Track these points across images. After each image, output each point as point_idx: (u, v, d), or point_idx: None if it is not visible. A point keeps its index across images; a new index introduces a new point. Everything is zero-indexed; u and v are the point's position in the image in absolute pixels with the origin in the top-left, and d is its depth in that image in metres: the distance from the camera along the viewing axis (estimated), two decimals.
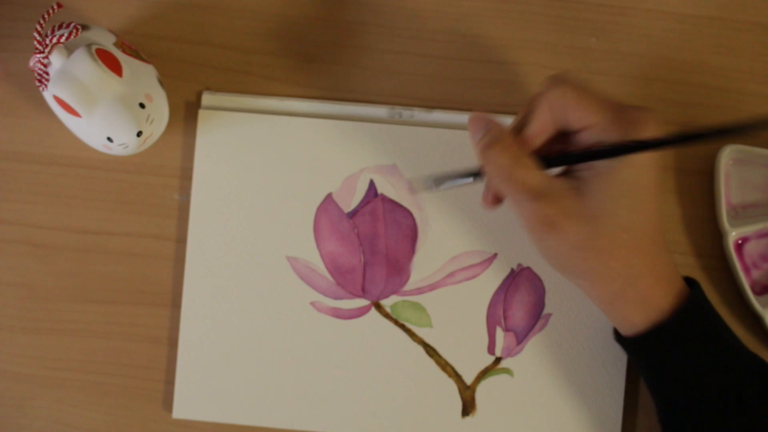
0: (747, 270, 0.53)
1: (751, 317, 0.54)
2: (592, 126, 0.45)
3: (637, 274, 0.45)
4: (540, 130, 0.46)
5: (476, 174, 0.48)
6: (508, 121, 0.54)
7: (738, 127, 0.42)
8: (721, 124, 0.43)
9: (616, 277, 0.45)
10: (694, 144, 0.44)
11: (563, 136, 0.47)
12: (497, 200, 0.49)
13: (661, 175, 0.46)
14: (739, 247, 0.53)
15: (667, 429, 0.48)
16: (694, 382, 0.46)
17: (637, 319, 0.46)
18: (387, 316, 0.54)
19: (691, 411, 0.47)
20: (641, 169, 0.44)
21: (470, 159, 0.54)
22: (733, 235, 0.53)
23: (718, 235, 0.54)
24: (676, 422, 0.48)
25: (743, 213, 0.54)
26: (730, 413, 0.45)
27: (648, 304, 0.46)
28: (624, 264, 0.45)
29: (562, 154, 0.46)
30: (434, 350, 0.54)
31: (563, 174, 0.47)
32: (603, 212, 0.44)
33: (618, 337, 0.50)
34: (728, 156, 0.53)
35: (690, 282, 0.49)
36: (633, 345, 0.48)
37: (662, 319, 0.46)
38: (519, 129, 0.47)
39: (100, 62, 0.46)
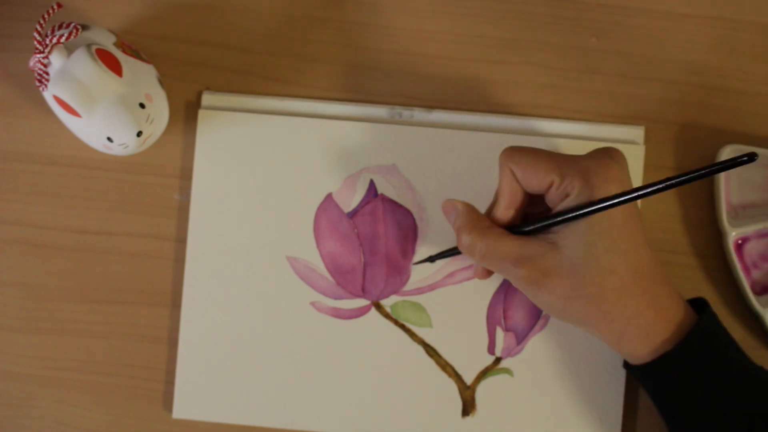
0: (747, 270, 0.53)
1: (751, 317, 0.54)
2: (552, 184, 0.45)
3: (635, 313, 0.45)
4: (511, 200, 0.47)
5: None
6: (508, 120, 0.54)
7: (704, 172, 0.42)
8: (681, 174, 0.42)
9: (614, 319, 0.45)
10: (649, 195, 0.43)
11: (540, 198, 0.48)
12: (487, 272, 0.50)
13: (637, 211, 0.46)
14: (739, 247, 0.53)
15: None
16: (697, 409, 0.46)
17: (643, 352, 0.47)
18: (387, 316, 0.54)
19: None
20: (608, 212, 0.44)
21: (469, 159, 0.54)
22: (733, 235, 0.53)
23: (718, 235, 0.54)
24: None
25: (743, 213, 0.54)
26: None
27: (652, 338, 0.46)
28: (618, 305, 0.45)
29: (530, 221, 0.47)
30: (434, 350, 0.54)
31: (540, 234, 0.47)
32: (583, 261, 0.44)
33: (626, 364, 0.50)
34: (728, 156, 0.53)
35: (701, 303, 0.49)
36: (639, 373, 0.48)
37: (664, 349, 0.46)
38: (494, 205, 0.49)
39: (100, 62, 0.46)
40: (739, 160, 0.40)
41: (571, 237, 0.45)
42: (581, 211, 0.44)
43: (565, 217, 0.45)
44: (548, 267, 0.45)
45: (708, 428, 0.46)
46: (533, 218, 0.47)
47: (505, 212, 0.48)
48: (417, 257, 0.54)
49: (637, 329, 0.46)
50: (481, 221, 0.47)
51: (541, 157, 0.46)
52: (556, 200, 0.46)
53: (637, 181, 0.54)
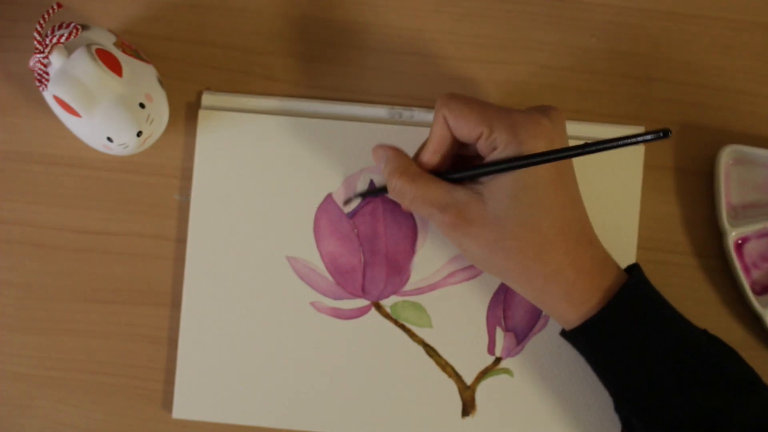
0: (747, 270, 0.53)
1: (751, 317, 0.54)
2: (481, 135, 0.46)
3: (555, 270, 0.46)
4: (439, 145, 0.48)
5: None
6: None
7: (625, 141, 0.42)
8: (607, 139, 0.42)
9: (534, 275, 0.46)
10: (569, 157, 0.43)
11: (468, 146, 0.49)
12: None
13: (569, 171, 0.46)
14: (739, 247, 0.53)
15: (620, 416, 0.49)
16: (626, 370, 0.46)
17: (569, 314, 0.47)
18: (387, 316, 0.54)
19: (632, 397, 0.47)
20: (534, 167, 0.44)
21: None
22: (733, 235, 0.53)
23: (718, 235, 0.54)
24: (623, 409, 0.48)
25: (743, 213, 0.54)
26: (669, 396, 0.46)
27: (573, 297, 0.46)
28: (538, 261, 0.45)
29: (458, 170, 0.48)
30: (434, 350, 0.54)
31: (468, 183, 0.47)
32: (506, 213, 0.45)
33: (561, 331, 0.50)
34: (728, 156, 0.53)
35: (634, 268, 0.49)
36: (570, 339, 0.49)
37: (591, 313, 0.46)
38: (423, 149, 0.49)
39: (100, 62, 0.46)
40: (654, 135, 0.40)
41: (496, 189, 0.45)
42: (503, 165, 0.45)
43: (489, 169, 0.45)
44: (472, 215, 0.46)
45: (639, 389, 0.46)
46: (462, 166, 0.48)
47: (432, 156, 0.48)
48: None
49: (558, 288, 0.46)
50: (411, 167, 0.48)
51: (473, 107, 0.46)
52: (485, 151, 0.46)
53: (637, 182, 0.53)
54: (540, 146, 0.44)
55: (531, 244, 0.45)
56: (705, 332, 0.48)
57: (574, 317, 0.47)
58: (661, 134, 0.39)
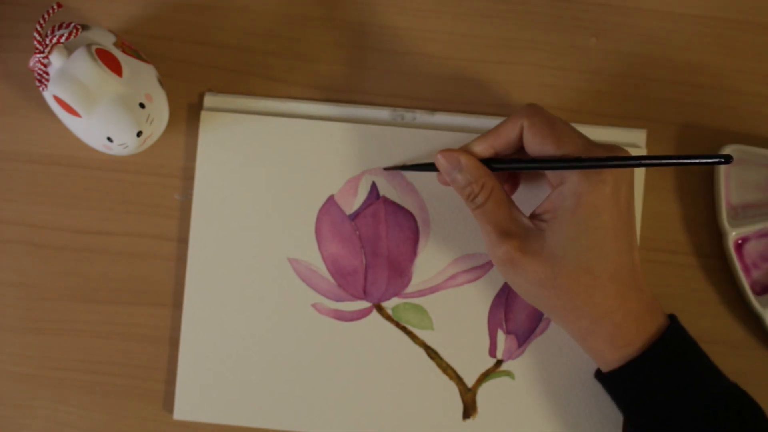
0: (747, 270, 0.53)
1: (751, 317, 0.54)
2: (563, 154, 0.46)
3: (603, 313, 0.46)
4: (500, 144, 0.48)
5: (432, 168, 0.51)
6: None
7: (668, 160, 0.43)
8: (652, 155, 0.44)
9: (582, 315, 0.46)
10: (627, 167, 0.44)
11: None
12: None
13: (630, 219, 0.46)
14: (739, 247, 0.53)
15: None
16: (667, 417, 0.46)
17: (610, 355, 0.47)
18: (388, 318, 0.54)
19: None
20: (597, 211, 0.45)
21: None
22: (733, 235, 0.53)
23: (718, 235, 0.54)
24: None
25: (743, 213, 0.54)
26: None
27: (617, 340, 0.47)
28: (588, 303, 0.46)
29: (511, 160, 0.48)
30: (435, 352, 0.54)
31: (531, 217, 0.48)
32: (564, 253, 0.45)
33: (597, 374, 0.50)
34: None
35: (671, 318, 0.49)
36: (608, 382, 0.49)
37: (633, 356, 0.47)
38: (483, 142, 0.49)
39: (100, 62, 0.46)
40: (714, 159, 0.42)
41: (556, 229, 0.46)
42: (550, 164, 0.45)
43: (533, 165, 0.46)
44: (529, 248, 0.46)
45: None
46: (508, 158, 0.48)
47: (485, 149, 0.48)
48: (421, 252, 0.54)
49: (604, 330, 0.47)
50: (491, 179, 0.47)
51: (554, 130, 0.46)
52: (553, 180, 0.47)
53: (638, 182, 0.54)
54: (606, 190, 0.45)
55: (583, 286, 0.45)
56: (732, 384, 0.48)
57: (614, 359, 0.47)
58: (723, 160, 0.41)
